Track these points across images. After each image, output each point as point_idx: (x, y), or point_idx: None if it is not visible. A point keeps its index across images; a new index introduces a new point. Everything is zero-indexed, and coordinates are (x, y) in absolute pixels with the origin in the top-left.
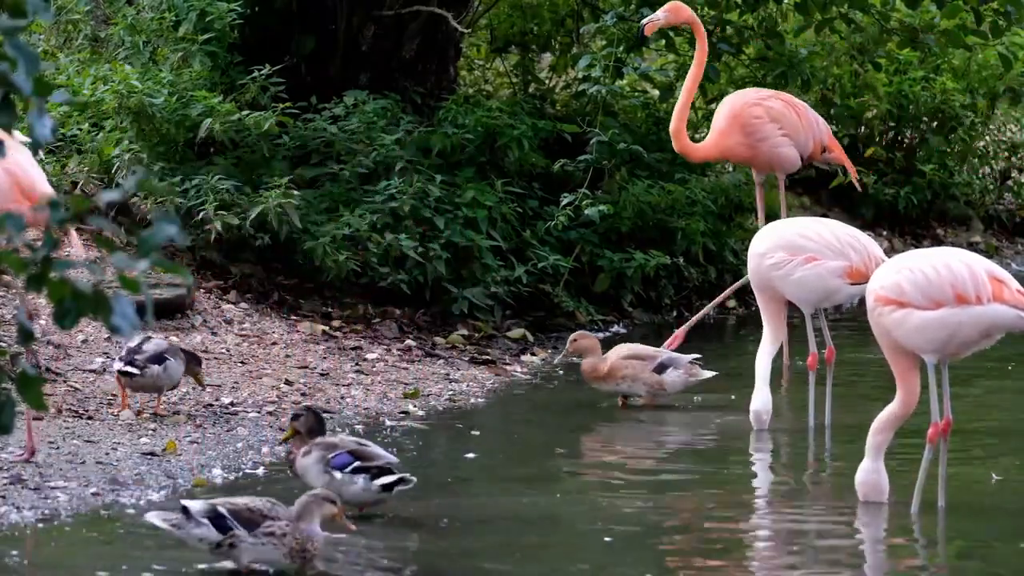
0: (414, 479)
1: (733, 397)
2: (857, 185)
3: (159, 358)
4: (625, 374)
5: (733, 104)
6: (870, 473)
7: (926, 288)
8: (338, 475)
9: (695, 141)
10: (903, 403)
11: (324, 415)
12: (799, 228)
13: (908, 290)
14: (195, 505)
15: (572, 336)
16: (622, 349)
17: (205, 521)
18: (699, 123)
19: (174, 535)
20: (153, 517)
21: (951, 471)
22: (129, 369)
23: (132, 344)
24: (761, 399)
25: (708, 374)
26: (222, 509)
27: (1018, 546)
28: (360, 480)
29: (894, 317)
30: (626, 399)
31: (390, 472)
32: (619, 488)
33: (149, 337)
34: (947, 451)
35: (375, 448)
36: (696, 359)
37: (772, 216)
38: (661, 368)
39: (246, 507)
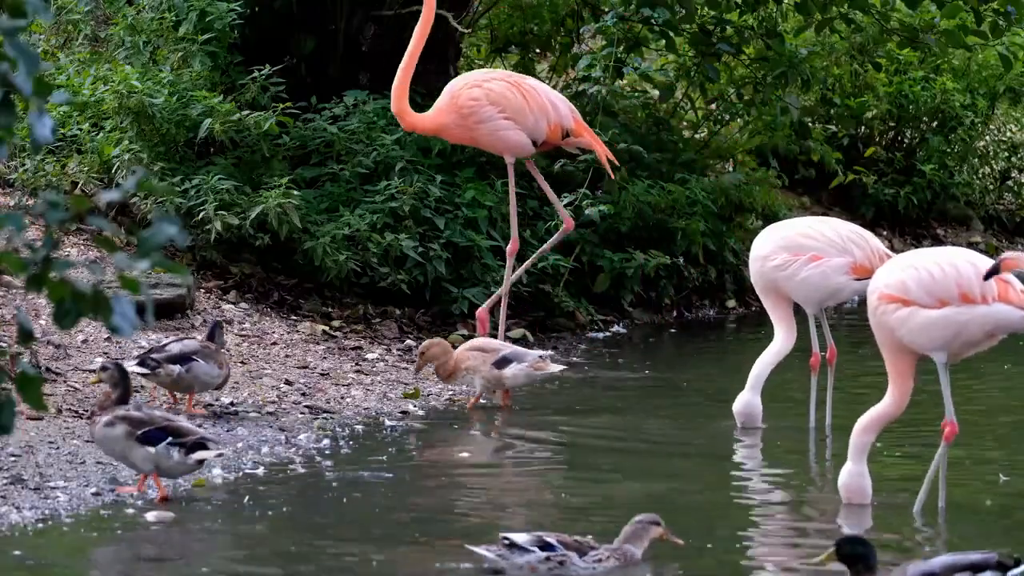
0: (225, 451)
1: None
2: (609, 172)
3: (182, 358)
4: (467, 366)
5: (454, 85)
6: (854, 476)
7: (931, 287)
8: (152, 449)
9: (696, 138)
10: (894, 404)
11: (324, 414)
12: (800, 228)
13: (913, 288)
14: (520, 537)
15: (420, 348)
16: (474, 343)
17: (533, 548)
18: (699, 123)
19: (498, 564)
20: (477, 548)
21: (959, 471)
22: (137, 369)
23: (158, 344)
24: (744, 402)
25: (556, 368)
26: (549, 538)
27: None
28: (175, 454)
29: (898, 315)
30: (507, 393)
31: (204, 447)
32: (619, 488)
33: (182, 339)
34: (947, 453)
35: (185, 423)
36: (546, 354)
37: (772, 217)
38: (503, 362)
39: (573, 539)
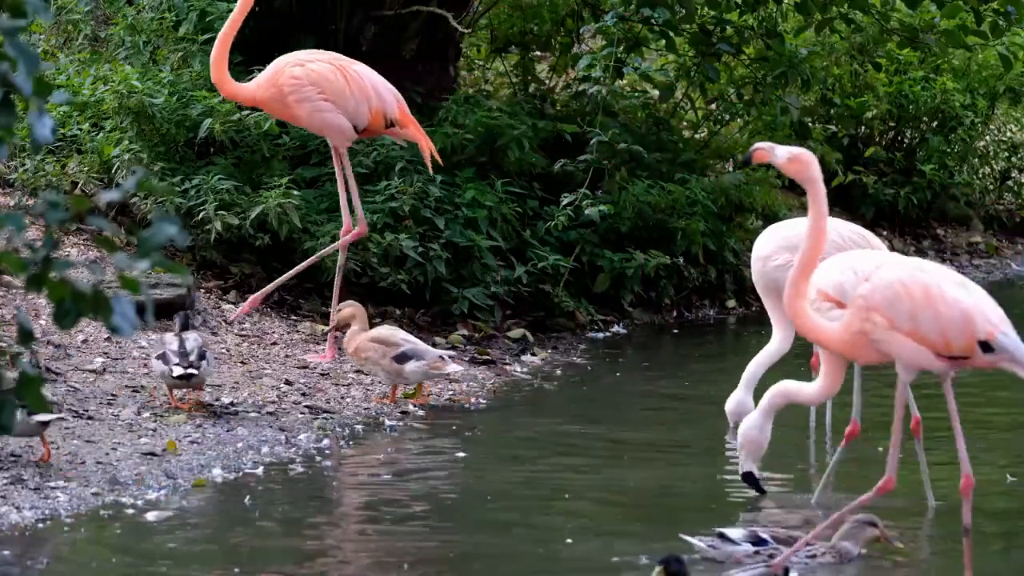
0: (63, 416)
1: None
2: (433, 160)
3: (203, 354)
4: (367, 356)
5: (279, 61)
6: (756, 429)
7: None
8: None
9: (696, 138)
10: (825, 390)
11: (324, 414)
12: (801, 228)
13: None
14: (734, 532)
15: (338, 306)
16: (377, 331)
17: (743, 543)
18: (699, 123)
19: (709, 554)
20: (690, 538)
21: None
22: (190, 372)
23: (174, 347)
24: (736, 401)
25: (454, 368)
26: (763, 534)
27: None
28: (18, 414)
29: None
30: (420, 387)
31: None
32: (618, 487)
33: (184, 338)
34: (923, 448)
35: None
36: (448, 354)
37: (772, 217)
38: (403, 358)
39: (786, 534)
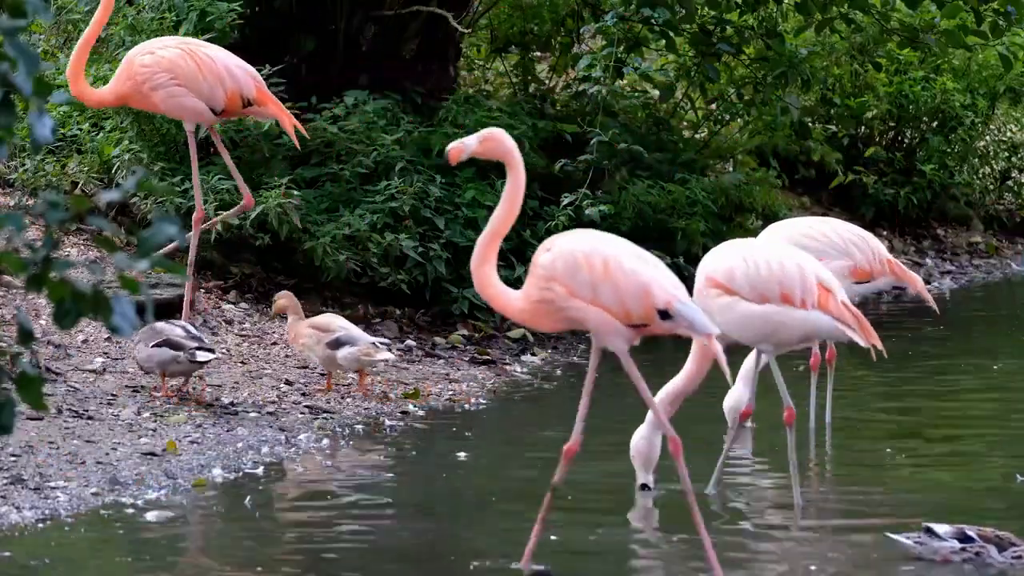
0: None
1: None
2: (295, 143)
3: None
4: (303, 342)
5: (129, 54)
6: (644, 440)
7: (756, 281)
8: None
9: (696, 138)
10: (688, 380)
11: (324, 414)
12: (802, 228)
13: (739, 279)
14: (941, 528)
15: (276, 296)
16: (316, 318)
17: (950, 539)
18: (699, 123)
19: (915, 551)
20: (896, 536)
21: (972, 471)
22: (209, 356)
23: (179, 332)
24: (735, 398)
25: (386, 356)
26: (969, 531)
27: None
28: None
29: (720, 302)
30: (363, 375)
31: None
32: (618, 487)
33: (183, 325)
34: (794, 440)
35: None
36: (381, 342)
37: (772, 217)
38: (336, 344)
39: (994, 534)
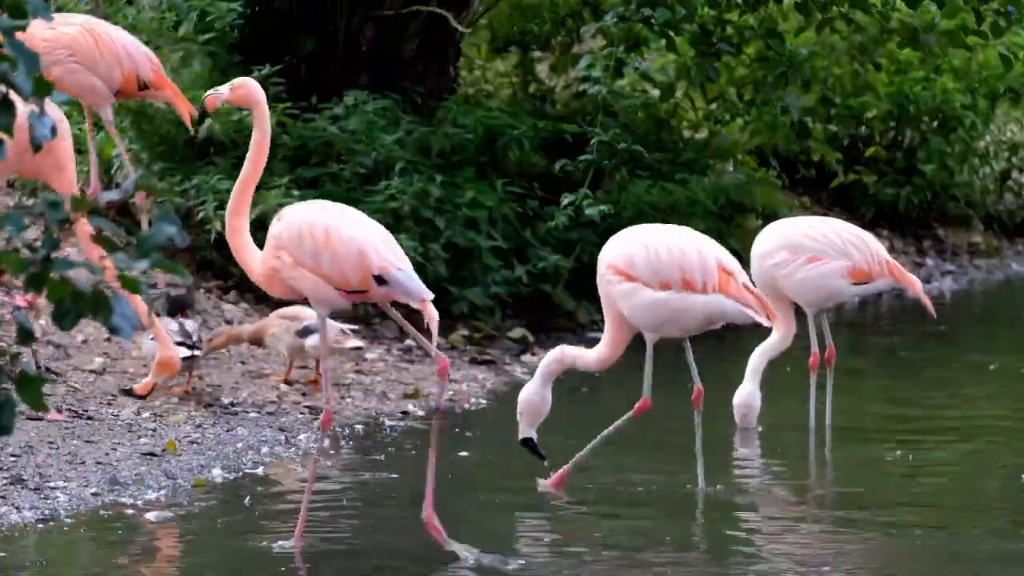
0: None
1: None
2: (191, 129)
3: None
4: (272, 332)
5: (32, 28)
6: (536, 395)
7: (657, 267)
8: None
9: (696, 138)
10: (599, 359)
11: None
12: (802, 228)
13: (640, 265)
14: None
15: (208, 337)
16: (286, 308)
17: None
18: (699, 123)
19: None
20: None
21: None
22: (187, 352)
23: (174, 328)
24: (745, 393)
25: (355, 343)
26: None
27: None
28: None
29: (622, 289)
30: (318, 364)
31: None
32: (619, 487)
33: (179, 321)
34: (700, 420)
35: None
36: (352, 329)
37: (772, 217)
38: (305, 332)
39: None
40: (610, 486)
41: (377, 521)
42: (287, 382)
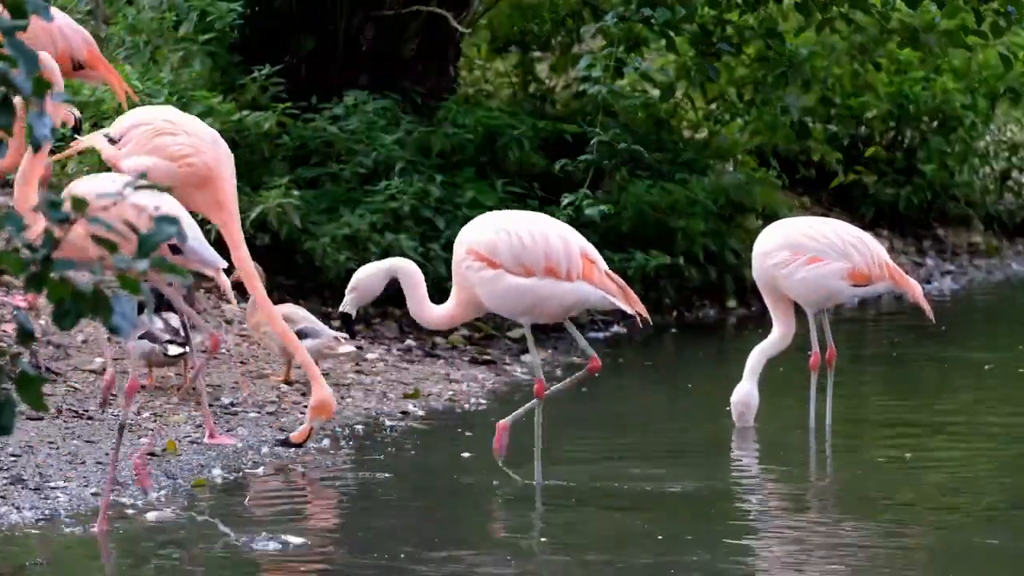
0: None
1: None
2: (124, 105)
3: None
4: (266, 331)
5: None
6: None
7: (520, 254)
8: None
9: (696, 138)
10: (444, 317)
11: None
12: (803, 228)
13: (503, 252)
14: None
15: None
16: (281, 307)
17: None
18: (699, 123)
19: None
20: None
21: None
22: (180, 351)
23: (160, 326)
24: (743, 392)
25: (348, 348)
26: None
27: None
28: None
29: (483, 275)
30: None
31: None
32: (617, 489)
33: (166, 317)
34: (541, 412)
35: None
36: (343, 336)
37: (772, 217)
38: (300, 335)
39: None
40: (609, 486)
41: (377, 521)
42: (287, 382)
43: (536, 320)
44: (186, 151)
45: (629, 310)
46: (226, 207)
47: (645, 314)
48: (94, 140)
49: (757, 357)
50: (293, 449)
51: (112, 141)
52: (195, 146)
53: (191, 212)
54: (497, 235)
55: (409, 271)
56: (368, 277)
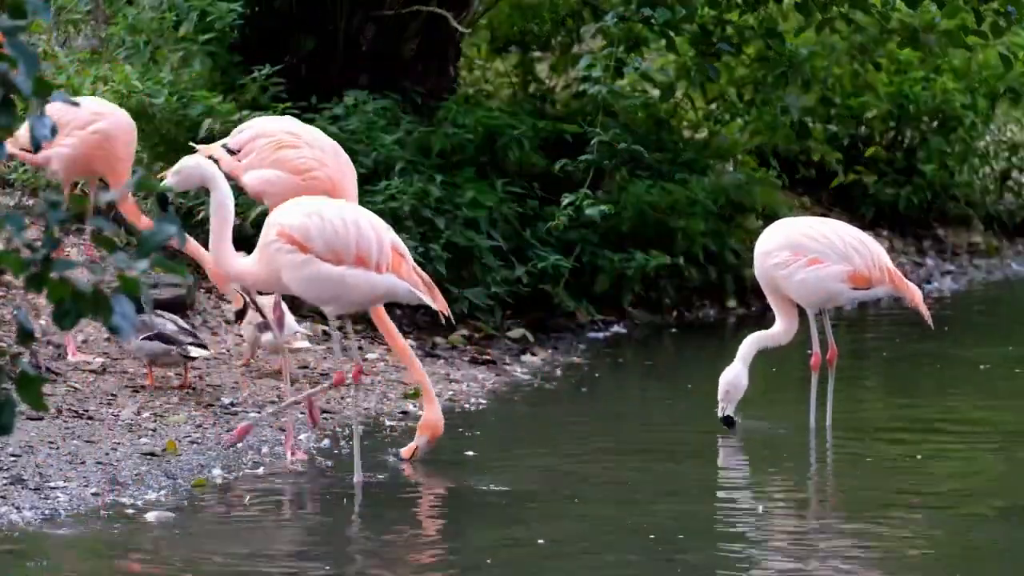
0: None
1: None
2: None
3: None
4: (246, 319)
5: None
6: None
7: (332, 241)
8: None
9: (696, 138)
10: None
11: (324, 414)
12: (805, 229)
13: (315, 237)
14: None
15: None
16: (260, 299)
17: None
18: (699, 123)
19: None
20: None
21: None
22: (204, 353)
23: (173, 325)
24: (733, 373)
25: (303, 344)
26: None
27: None
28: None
29: (292, 258)
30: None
31: None
32: (619, 489)
33: (172, 318)
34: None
35: None
36: (304, 333)
37: (772, 217)
38: (264, 327)
39: None
40: (609, 485)
41: (377, 521)
42: (248, 365)
43: (341, 310)
44: (310, 164)
45: (434, 306)
46: None
47: (448, 312)
48: (213, 150)
49: (751, 344)
50: (285, 446)
51: (231, 152)
52: (318, 159)
53: None
54: (310, 220)
55: (222, 195)
56: (190, 168)
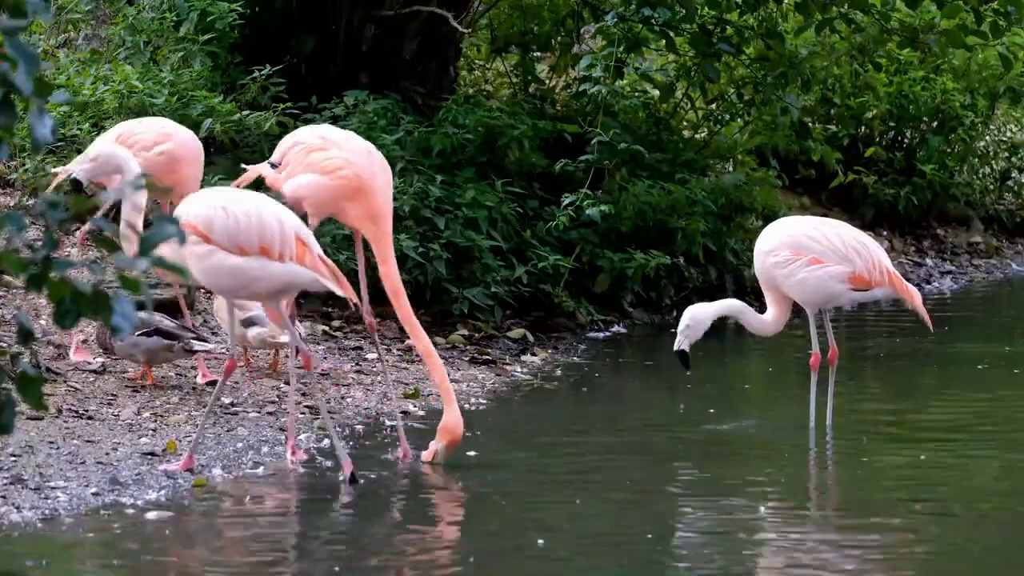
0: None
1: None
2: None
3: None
4: (222, 316)
5: None
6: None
7: (235, 233)
8: None
9: (696, 138)
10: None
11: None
12: (806, 228)
13: (217, 229)
14: None
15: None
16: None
17: None
18: (699, 123)
19: None
20: None
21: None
22: (207, 346)
23: (170, 324)
24: (700, 310)
25: (286, 339)
26: None
27: None
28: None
29: (195, 250)
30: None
31: None
32: (620, 487)
33: (160, 320)
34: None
35: None
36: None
37: (772, 217)
38: (248, 323)
39: None
40: (608, 485)
41: (377, 521)
42: (248, 365)
43: (247, 299)
44: (337, 163)
45: (340, 293)
46: (379, 221)
47: (355, 299)
48: (261, 169)
49: (736, 306)
50: (285, 446)
51: (274, 166)
52: (346, 158)
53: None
54: (214, 211)
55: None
56: (105, 156)
